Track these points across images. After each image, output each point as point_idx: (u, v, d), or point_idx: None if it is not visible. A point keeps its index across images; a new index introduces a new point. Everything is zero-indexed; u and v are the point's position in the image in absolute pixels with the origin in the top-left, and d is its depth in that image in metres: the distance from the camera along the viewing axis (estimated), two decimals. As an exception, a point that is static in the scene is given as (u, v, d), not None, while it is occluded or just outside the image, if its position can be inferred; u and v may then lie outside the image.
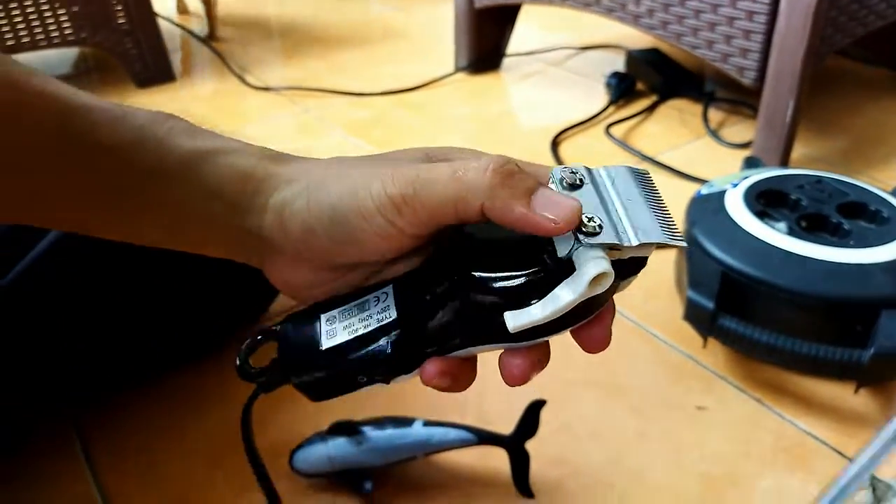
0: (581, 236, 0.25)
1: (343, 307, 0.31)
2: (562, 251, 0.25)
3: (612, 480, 0.56)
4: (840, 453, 0.58)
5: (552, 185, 0.27)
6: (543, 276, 0.26)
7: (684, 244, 0.29)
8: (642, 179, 0.28)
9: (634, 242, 0.26)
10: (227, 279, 0.64)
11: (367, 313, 0.30)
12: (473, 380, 0.30)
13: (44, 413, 0.62)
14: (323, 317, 0.31)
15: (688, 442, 0.60)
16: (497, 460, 0.56)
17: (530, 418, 0.53)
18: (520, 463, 0.54)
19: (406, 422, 0.54)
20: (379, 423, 0.54)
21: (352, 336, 0.29)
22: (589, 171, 0.28)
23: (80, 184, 0.29)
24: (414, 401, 0.64)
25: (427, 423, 0.54)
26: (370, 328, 0.29)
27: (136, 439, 0.61)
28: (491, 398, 0.64)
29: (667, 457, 0.58)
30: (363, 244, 0.28)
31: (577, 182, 0.27)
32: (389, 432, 0.54)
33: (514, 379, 0.29)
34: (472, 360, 0.31)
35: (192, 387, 0.66)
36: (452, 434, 0.54)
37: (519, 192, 0.25)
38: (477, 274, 0.26)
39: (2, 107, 0.27)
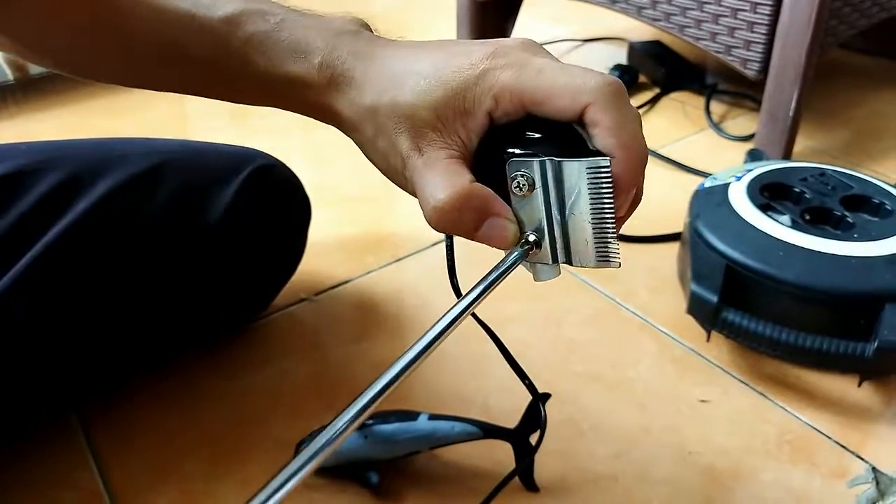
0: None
1: None
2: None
3: (615, 474, 0.57)
4: (843, 447, 0.58)
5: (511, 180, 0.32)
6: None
7: (617, 266, 0.32)
8: (596, 180, 0.30)
9: (568, 264, 0.32)
10: (231, 274, 0.64)
11: None
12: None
13: (46, 406, 0.63)
14: None
15: (691, 435, 0.60)
16: (502, 454, 0.56)
17: (535, 412, 0.54)
18: (524, 456, 0.55)
19: (411, 415, 0.54)
20: (384, 416, 0.55)
21: None
22: (542, 167, 0.31)
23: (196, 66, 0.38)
24: (419, 395, 0.64)
25: (432, 417, 0.54)
26: None
27: (140, 431, 0.61)
28: (495, 393, 0.64)
29: (671, 450, 0.59)
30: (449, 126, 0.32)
31: (527, 191, 0.31)
32: (395, 426, 0.54)
33: None
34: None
35: (197, 380, 0.66)
36: (457, 428, 0.54)
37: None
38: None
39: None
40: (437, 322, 0.28)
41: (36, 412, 0.62)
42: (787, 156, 0.98)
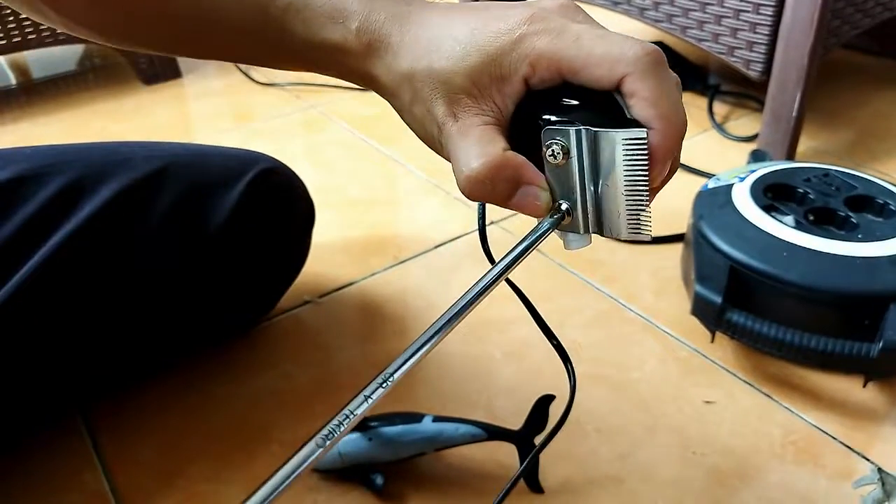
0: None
1: None
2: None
3: (621, 475, 0.57)
4: (848, 447, 0.58)
5: (545, 150, 0.31)
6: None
7: (649, 238, 0.32)
8: (632, 151, 0.30)
9: (599, 234, 0.33)
10: (235, 277, 0.64)
11: None
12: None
13: (52, 410, 0.63)
14: None
15: (696, 436, 0.60)
16: (506, 455, 0.56)
17: (539, 413, 0.54)
18: (529, 458, 0.54)
19: (416, 417, 0.55)
20: (389, 418, 0.55)
21: None
22: (577, 136, 0.30)
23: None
24: (423, 397, 0.64)
25: (437, 419, 0.54)
26: None
27: (146, 433, 0.62)
28: (499, 395, 0.64)
29: (676, 451, 0.59)
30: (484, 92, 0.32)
31: (562, 160, 0.31)
32: (399, 428, 0.54)
33: None
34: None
35: (202, 382, 0.66)
36: (462, 429, 0.54)
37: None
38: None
39: None
40: (471, 288, 0.29)
41: (41, 415, 0.62)
42: (790, 156, 0.98)
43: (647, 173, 0.30)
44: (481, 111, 0.32)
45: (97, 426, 0.63)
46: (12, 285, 0.52)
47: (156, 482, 0.57)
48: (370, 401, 0.25)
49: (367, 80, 0.36)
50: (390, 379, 0.26)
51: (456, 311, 0.28)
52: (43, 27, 1.23)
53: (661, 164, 0.30)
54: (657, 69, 0.30)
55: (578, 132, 0.30)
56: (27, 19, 1.21)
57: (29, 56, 1.54)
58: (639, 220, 0.31)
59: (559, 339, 0.43)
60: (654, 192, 0.32)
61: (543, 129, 0.31)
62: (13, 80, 1.47)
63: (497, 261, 0.30)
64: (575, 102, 0.31)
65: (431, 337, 0.28)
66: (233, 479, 0.57)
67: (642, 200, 0.31)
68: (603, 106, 0.31)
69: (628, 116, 0.30)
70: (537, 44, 0.31)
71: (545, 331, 0.43)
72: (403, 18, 0.34)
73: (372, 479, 0.54)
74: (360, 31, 0.34)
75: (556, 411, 0.54)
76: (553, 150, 0.31)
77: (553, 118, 0.31)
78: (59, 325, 0.55)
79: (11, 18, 1.20)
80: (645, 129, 0.29)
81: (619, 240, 0.32)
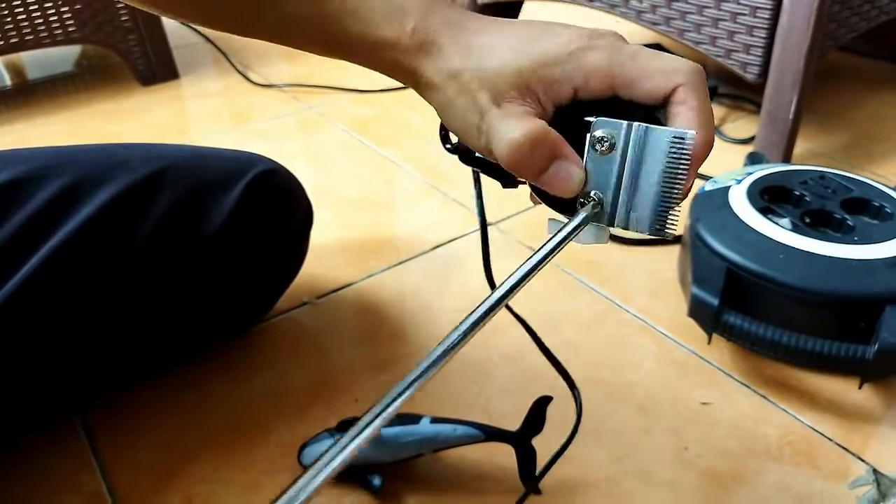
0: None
1: None
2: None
3: (617, 476, 0.57)
4: (845, 449, 0.59)
5: (588, 142, 0.33)
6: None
7: (671, 237, 0.34)
8: (678, 150, 0.32)
9: (624, 228, 0.34)
10: (234, 278, 0.65)
11: None
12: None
13: (50, 412, 0.63)
14: None
15: (693, 438, 0.60)
16: (504, 457, 0.56)
17: (536, 415, 0.54)
18: (526, 459, 0.55)
19: (414, 419, 0.55)
20: (387, 420, 0.55)
21: None
22: (628, 130, 0.33)
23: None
24: (421, 399, 0.64)
25: (434, 420, 0.54)
26: None
27: (143, 433, 0.62)
28: (497, 396, 0.64)
29: (672, 453, 0.59)
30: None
31: (606, 149, 0.33)
32: (397, 429, 0.54)
33: None
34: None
35: (200, 383, 0.66)
36: (460, 430, 0.54)
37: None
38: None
39: None
40: (513, 273, 0.30)
41: (39, 417, 0.62)
42: (787, 159, 0.98)
43: (686, 173, 0.32)
44: (524, 103, 0.34)
45: (94, 426, 0.63)
46: (11, 287, 0.52)
47: (153, 483, 0.57)
48: (380, 419, 0.25)
49: (409, 76, 0.37)
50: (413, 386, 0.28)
51: (495, 300, 0.30)
52: (40, 27, 1.23)
53: (695, 168, 0.33)
54: (703, 86, 0.33)
55: (630, 125, 0.33)
56: (24, 20, 1.21)
57: (26, 57, 1.54)
58: (667, 218, 0.33)
59: (562, 360, 0.43)
60: (696, 170, 0.34)
61: (595, 120, 0.33)
62: (8, 82, 1.47)
63: (534, 251, 0.32)
64: (620, 112, 0.33)
65: (464, 335, 0.30)
66: (230, 479, 0.57)
67: (675, 199, 0.33)
68: (647, 117, 0.33)
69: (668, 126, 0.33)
70: (594, 57, 0.33)
71: (552, 361, 0.44)
72: (458, 25, 0.36)
73: (370, 479, 0.55)
74: (416, 30, 0.35)
75: (553, 413, 0.54)
76: (601, 140, 0.33)
77: (599, 119, 0.33)
78: (58, 326, 0.55)
79: (9, 19, 1.20)
80: (693, 132, 0.32)
81: (641, 236, 0.34)
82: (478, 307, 0.29)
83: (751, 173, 0.77)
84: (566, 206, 0.35)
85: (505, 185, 0.41)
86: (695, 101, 0.32)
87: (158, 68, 1.38)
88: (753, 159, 0.93)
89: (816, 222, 0.70)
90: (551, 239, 0.32)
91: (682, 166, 0.32)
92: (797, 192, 0.73)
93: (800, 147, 1.03)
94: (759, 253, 0.65)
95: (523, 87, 0.34)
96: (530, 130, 0.33)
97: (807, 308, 0.63)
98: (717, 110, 1.18)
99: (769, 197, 0.73)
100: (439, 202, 0.95)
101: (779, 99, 0.94)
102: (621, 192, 0.34)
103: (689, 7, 0.99)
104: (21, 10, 1.20)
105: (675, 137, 0.32)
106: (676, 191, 0.33)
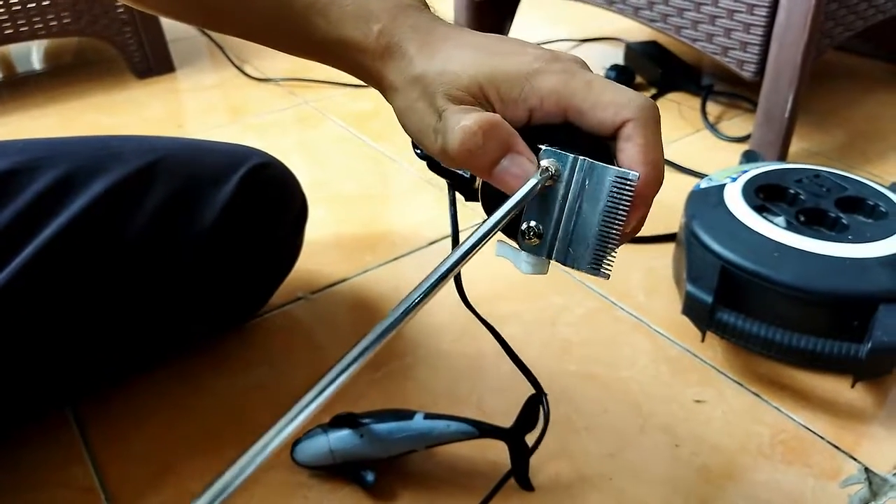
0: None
1: None
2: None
3: (611, 473, 0.57)
4: (837, 447, 0.59)
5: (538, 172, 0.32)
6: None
7: (606, 277, 0.34)
8: (619, 190, 0.31)
9: (562, 263, 0.33)
10: (228, 272, 0.64)
11: None
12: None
13: (42, 405, 0.63)
14: None
15: (686, 435, 0.60)
16: (497, 453, 0.56)
17: (530, 411, 0.54)
18: (519, 455, 0.55)
19: (407, 415, 0.55)
20: (380, 415, 0.55)
21: None
22: (573, 163, 0.32)
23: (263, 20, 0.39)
24: (414, 395, 0.64)
25: (428, 416, 0.54)
26: None
27: (136, 427, 0.61)
28: (490, 393, 0.64)
29: (665, 450, 0.59)
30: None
31: (551, 181, 0.32)
32: (391, 425, 0.54)
33: None
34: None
35: (193, 377, 0.66)
36: (453, 427, 0.54)
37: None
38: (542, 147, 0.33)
39: None
40: (462, 243, 0.29)
41: (31, 411, 0.62)
42: (782, 157, 0.98)
43: (626, 215, 0.32)
44: (481, 109, 0.33)
45: (87, 419, 0.62)
46: (3, 278, 0.51)
47: (146, 477, 0.57)
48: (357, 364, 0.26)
49: (374, 78, 0.37)
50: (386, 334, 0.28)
51: (444, 269, 0.28)
52: (35, 18, 1.22)
53: (639, 208, 0.33)
54: (655, 123, 0.32)
55: (576, 159, 0.32)
56: (19, 11, 1.20)
57: (22, 48, 1.54)
58: (604, 257, 0.33)
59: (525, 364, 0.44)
60: (624, 237, 0.33)
61: (542, 150, 0.32)
62: (2, 74, 1.46)
63: (484, 220, 0.31)
64: (571, 140, 0.33)
65: (417, 300, 0.29)
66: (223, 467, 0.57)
67: (613, 240, 0.32)
68: (597, 149, 0.33)
69: (615, 164, 0.32)
70: (550, 81, 0.32)
71: (518, 364, 0.45)
72: (425, 31, 0.35)
73: (363, 475, 0.55)
74: (381, 34, 0.35)
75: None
76: (546, 170, 0.32)
77: (548, 150, 0.32)
78: (50, 319, 0.55)
79: (3, 10, 1.19)
80: (637, 174, 0.31)
81: (579, 270, 0.34)
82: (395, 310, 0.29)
83: (746, 171, 0.77)
84: (510, 229, 0.35)
85: (467, 199, 0.40)
86: (641, 138, 0.32)
87: (154, 61, 1.37)
88: (749, 157, 0.93)
89: (811, 221, 0.70)
90: (502, 207, 0.31)
91: (622, 207, 0.32)
92: (792, 191, 0.73)
93: (795, 145, 1.03)
94: (753, 251, 0.65)
95: (482, 96, 0.33)
96: (483, 117, 0.32)
97: (800, 306, 0.63)
98: (714, 108, 1.19)
99: (764, 195, 0.73)
100: (435, 198, 0.95)
101: (775, 97, 0.94)
102: (561, 225, 0.33)
103: (686, 4, 0.99)
104: (16, 1, 1.20)
105: (617, 177, 0.31)
106: (615, 231, 0.32)
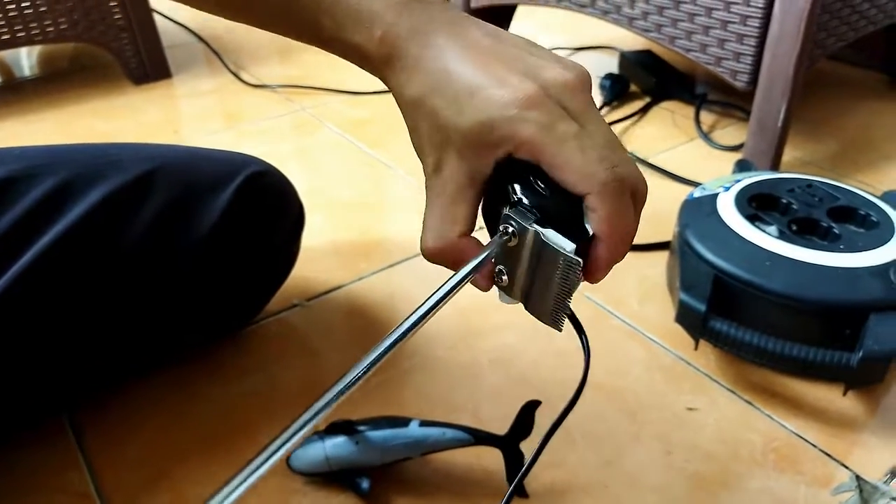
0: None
1: None
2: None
3: (605, 481, 0.57)
4: (829, 455, 0.59)
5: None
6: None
7: (560, 331, 0.36)
8: (567, 271, 0.33)
9: (527, 310, 0.37)
10: (225, 280, 0.65)
11: None
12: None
13: (38, 412, 0.63)
14: None
15: (680, 443, 0.60)
16: (491, 461, 0.57)
17: (525, 419, 0.54)
18: (514, 463, 0.55)
19: (402, 422, 0.55)
20: (376, 422, 0.55)
21: None
22: (530, 234, 0.34)
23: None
24: (409, 402, 0.64)
25: (423, 424, 0.55)
26: None
27: (132, 434, 0.62)
28: (486, 400, 0.64)
29: (659, 458, 0.59)
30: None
31: (513, 241, 0.34)
32: (386, 432, 0.54)
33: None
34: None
35: (189, 384, 0.66)
36: (449, 434, 0.54)
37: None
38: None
39: None
40: (425, 301, 0.32)
41: (28, 417, 0.62)
42: (775, 166, 0.99)
43: (573, 290, 0.34)
44: (463, 171, 0.35)
45: (83, 425, 0.63)
46: (0, 286, 0.52)
47: (141, 482, 0.57)
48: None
49: (386, 84, 0.38)
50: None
51: (398, 334, 0.33)
52: (32, 24, 1.22)
53: (603, 270, 0.35)
54: (617, 194, 0.33)
55: (530, 232, 0.34)
56: (16, 17, 1.21)
57: (18, 54, 1.54)
58: (558, 316, 0.35)
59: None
60: (600, 273, 0.35)
61: (504, 213, 0.34)
62: (0, 79, 1.46)
63: (441, 285, 0.33)
64: (543, 190, 0.34)
65: (396, 340, 0.32)
66: (219, 480, 0.57)
67: (565, 305, 0.35)
68: (566, 204, 0.34)
69: (585, 222, 0.34)
70: (526, 131, 0.33)
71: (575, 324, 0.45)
72: (423, 37, 0.35)
73: (358, 482, 0.55)
74: (383, 40, 0.36)
75: (541, 418, 0.54)
76: (508, 233, 0.34)
77: (517, 200, 0.34)
78: (47, 326, 0.55)
79: (0, 16, 1.19)
80: (580, 261, 0.32)
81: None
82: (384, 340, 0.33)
83: (739, 180, 0.78)
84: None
85: None
86: (603, 210, 0.33)
87: (151, 67, 1.38)
88: (742, 167, 0.93)
89: (803, 230, 0.71)
90: (455, 274, 0.34)
91: (571, 284, 0.33)
92: (784, 200, 0.74)
93: (788, 155, 1.04)
94: (746, 260, 0.66)
95: (467, 150, 0.34)
96: (442, 244, 0.36)
97: (792, 315, 0.64)
98: (707, 117, 1.20)
99: (757, 204, 0.74)
100: (430, 205, 0.95)
101: (768, 107, 0.95)
102: (524, 279, 0.35)
103: (679, 15, 1.00)
104: (13, 6, 1.20)
105: (563, 260, 0.33)
106: (566, 300, 0.34)
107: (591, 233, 0.33)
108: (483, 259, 0.34)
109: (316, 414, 0.27)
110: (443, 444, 0.55)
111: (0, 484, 0.58)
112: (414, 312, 0.32)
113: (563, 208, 0.34)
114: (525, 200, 0.34)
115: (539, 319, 0.36)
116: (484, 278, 0.37)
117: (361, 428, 0.54)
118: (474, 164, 0.35)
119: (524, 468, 0.47)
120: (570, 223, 0.33)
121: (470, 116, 0.33)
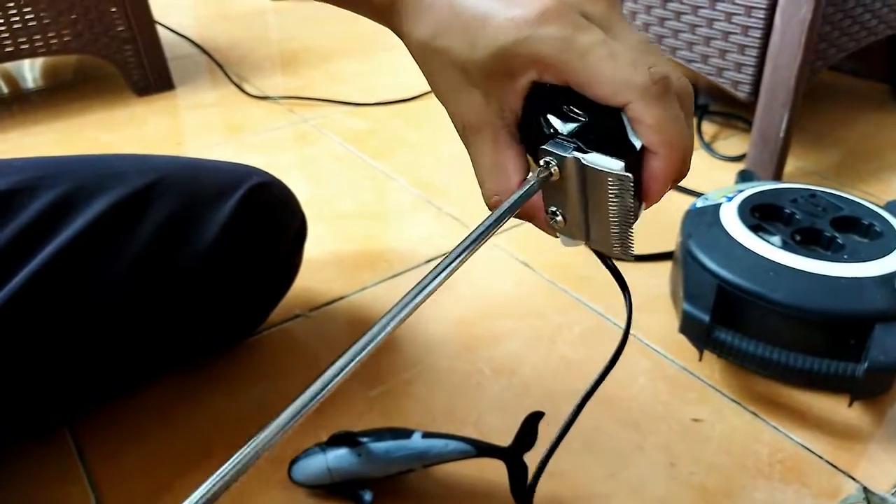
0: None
1: None
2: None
3: (609, 493, 0.57)
4: (835, 466, 0.59)
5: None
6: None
7: (631, 258, 0.33)
8: (618, 189, 0.30)
9: (590, 247, 0.34)
10: (227, 291, 0.64)
11: None
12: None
13: (39, 423, 0.63)
14: None
15: (684, 454, 0.60)
16: (495, 472, 0.56)
17: (528, 430, 0.54)
18: (518, 475, 0.55)
19: (405, 433, 0.55)
20: (378, 434, 0.55)
21: None
22: (569, 162, 0.30)
23: None
24: (412, 413, 0.64)
25: (426, 435, 0.54)
26: None
27: (133, 445, 0.61)
28: (489, 411, 0.64)
29: (663, 469, 0.59)
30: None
31: (556, 174, 0.31)
32: (389, 444, 0.54)
33: None
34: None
35: (191, 395, 0.66)
36: (451, 446, 0.54)
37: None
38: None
39: None
40: (468, 235, 0.29)
41: (29, 429, 0.61)
42: (777, 177, 0.99)
43: (631, 209, 0.30)
44: (493, 114, 0.32)
45: (83, 436, 0.62)
46: (2, 297, 0.52)
47: (142, 494, 0.57)
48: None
49: (396, 33, 0.36)
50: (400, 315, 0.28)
51: (449, 261, 0.29)
52: (35, 36, 1.23)
53: (663, 186, 0.31)
54: (663, 98, 0.29)
55: (573, 160, 0.30)
56: (20, 29, 1.21)
57: (22, 66, 1.54)
58: (624, 242, 0.32)
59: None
60: (656, 196, 0.32)
61: (540, 149, 0.31)
62: (4, 90, 1.47)
63: (484, 220, 0.30)
64: (579, 113, 0.30)
65: (432, 280, 0.30)
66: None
67: (628, 227, 0.31)
68: (606, 121, 0.30)
69: (629, 136, 0.30)
70: (544, 50, 0.29)
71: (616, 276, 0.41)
72: None
73: (360, 495, 0.54)
74: None
75: (545, 428, 0.54)
76: (546, 169, 0.31)
77: (549, 146, 0.31)
78: (49, 338, 0.55)
79: (4, 28, 1.20)
80: (630, 176, 0.29)
81: (607, 254, 0.33)
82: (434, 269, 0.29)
83: (742, 191, 0.78)
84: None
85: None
86: (651, 118, 0.29)
87: (154, 79, 1.38)
88: (744, 177, 0.93)
89: (806, 240, 0.71)
90: (501, 207, 0.31)
91: (626, 203, 0.30)
92: (788, 210, 0.74)
93: (790, 165, 1.04)
94: (749, 270, 0.66)
95: (490, 86, 0.32)
96: (501, 201, 0.32)
97: (797, 325, 0.63)
98: (709, 128, 1.20)
99: (760, 215, 0.74)
100: (433, 216, 0.96)
101: (770, 117, 0.95)
102: (578, 212, 0.32)
103: (681, 26, 1.00)
104: (17, 18, 1.20)
105: (611, 179, 0.29)
106: (628, 222, 0.31)
107: (638, 146, 0.30)
108: (515, 203, 0.31)
109: (349, 364, 0.26)
110: (446, 456, 0.54)
111: (2, 496, 0.57)
112: (450, 253, 0.29)
113: (603, 127, 0.30)
114: (561, 130, 0.31)
115: (607, 254, 0.33)
116: (540, 222, 0.34)
117: (364, 440, 0.54)
118: (502, 102, 0.32)
119: (531, 481, 0.47)
120: (614, 142, 0.30)
121: (484, 48, 0.30)
